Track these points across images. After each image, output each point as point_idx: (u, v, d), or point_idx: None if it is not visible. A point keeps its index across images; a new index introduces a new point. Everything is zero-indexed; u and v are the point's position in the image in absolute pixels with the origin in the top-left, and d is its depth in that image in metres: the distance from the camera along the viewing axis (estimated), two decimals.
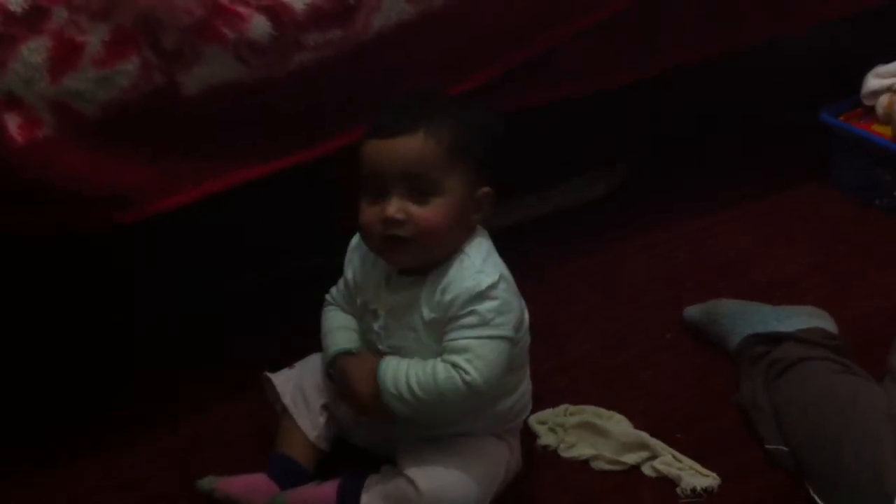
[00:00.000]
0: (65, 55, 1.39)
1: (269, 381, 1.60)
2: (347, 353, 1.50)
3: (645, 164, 2.29)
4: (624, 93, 1.93)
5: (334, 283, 1.57)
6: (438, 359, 1.40)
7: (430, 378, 1.39)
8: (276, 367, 1.63)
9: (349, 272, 1.54)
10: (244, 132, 1.57)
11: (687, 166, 2.28)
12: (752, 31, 2.01)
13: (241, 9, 1.47)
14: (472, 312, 1.39)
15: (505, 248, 1.49)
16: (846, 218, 2.15)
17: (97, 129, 1.44)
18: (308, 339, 1.58)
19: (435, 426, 1.47)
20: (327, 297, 1.58)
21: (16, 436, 1.68)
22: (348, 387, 1.47)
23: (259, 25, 1.48)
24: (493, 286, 1.40)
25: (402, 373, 1.41)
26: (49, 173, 1.44)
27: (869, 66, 2.18)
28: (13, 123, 1.38)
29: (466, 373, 1.38)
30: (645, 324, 1.87)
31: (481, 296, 1.39)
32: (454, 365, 1.38)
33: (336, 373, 1.50)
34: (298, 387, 1.59)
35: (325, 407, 1.58)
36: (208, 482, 1.54)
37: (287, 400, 1.58)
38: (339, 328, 1.54)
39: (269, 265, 1.99)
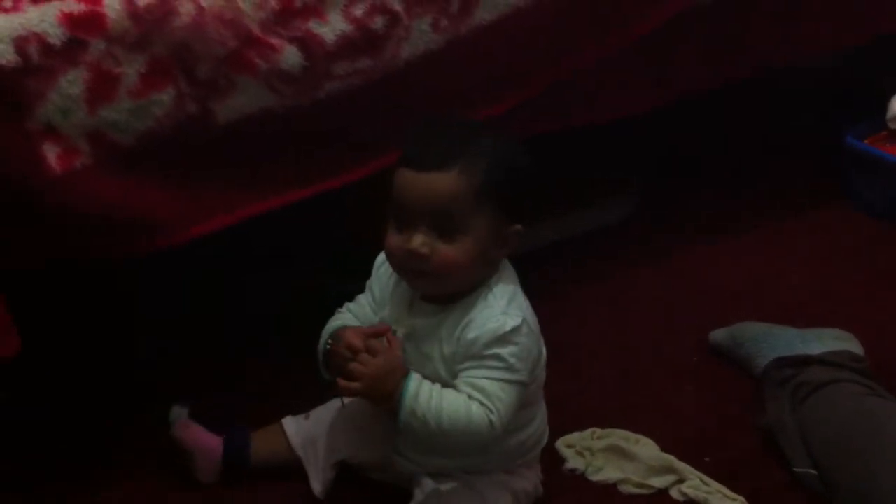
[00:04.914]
0: (102, 86, 1.41)
1: (282, 429, 1.63)
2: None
3: (659, 188, 2.29)
4: (637, 118, 1.93)
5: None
6: (466, 395, 1.41)
7: (463, 414, 1.39)
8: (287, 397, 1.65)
9: (375, 287, 1.55)
10: (275, 160, 1.59)
11: (702, 189, 2.28)
12: (764, 60, 2.03)
13: (274, 40, 1.49)
14: (495, 356, 1.40)
15: (522, 273, 1.50)
16: (867, 238, 2.16)
17: (132, 158, 1.47)
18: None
19: (440, 456, 1.50)
20: (339, 309, 1.57)
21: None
22: (362, 368, 1.41)
23: (291, 56, 1.50)
24: (516, 330, 1.41)
25: (434, 399, 1.40)
26: (85, 202, 1.46)
27: (884, 86, 2.20)
28: (52, 153, 1.41)
29: (492, 413, 1.39)
30: (664, 347, 1.88)
31: (504, 339, 1.40)
32: (481, 403, 1.40)
33: (339, 344, 1.45)
34: (310, 440, 1.61)
35: (334, 466, 1.59)
36: (178, 412, 1.64)
37: (299, 451, 1.61)
38: (347, 319, 1.53)
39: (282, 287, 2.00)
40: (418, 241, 1.39)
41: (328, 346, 1.49)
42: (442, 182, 1.38)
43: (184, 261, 1.66)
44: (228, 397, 1.78)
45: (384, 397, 1.42)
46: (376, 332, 1.45)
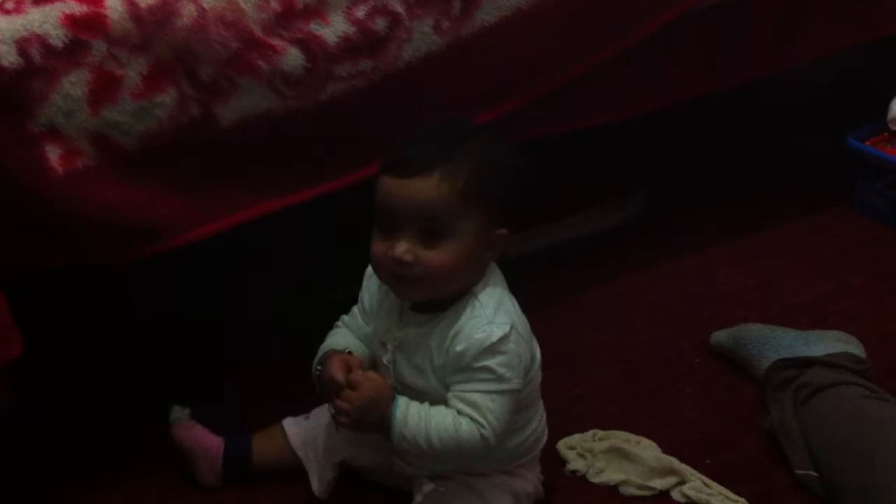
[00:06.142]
0: (104, 88, 1.42)
1: (282, 430, 1.63)
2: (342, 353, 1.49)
3: (663, 191, 2.29)
4: (642, 120, 1.93)
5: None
6: (454, 412, 1.41)
7: (452, 432, 1.39)
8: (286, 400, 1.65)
9: (365, 297, 1.54)
10: (277, 162, 1.59)
11: (704, 191, 2.28)
12: (764, 63, 2.03)
13: (276, 41, 1.49)
14: (485, 368, 1.39)
15: (524, 276, 1.50)
16: (868, 240, 2.15)
17: (135, 161, 1.47)
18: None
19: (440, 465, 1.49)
20: (336, 323, 1.58)
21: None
22: (345, 406, 1.42)
23: (292, 57, 1.50)
24: (504, 339, 1.40)
25: (423, 421, 1.40)
26: (87, 203, 1.46)
27: (885, 87, 2.19)
28: (54, 154, 1.41)
29: (483, 427, 1.39)
30: (665, 351, 1.88)
31: (492, 350, 1.39)
32: (472, 419, 1.39)
33: (325, 374, 1.46)
34: (310, 440, 1.61)
35: (334, 467, 1.59)
36: (179, 413, 1.63)
37: (299, 452, 1.61)
38: (341, 335, 1.54)
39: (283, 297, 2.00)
40: (402, 247, 1.38)
41: (318, 372, 1.49)
42: (423, 187, 1.37)
43: (183, 260, 1.66)
44: (228, 397, 1.78)
45: (373, 427, 1.43)
46: (349, 367, 1.44)
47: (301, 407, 1.65)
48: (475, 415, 1.39)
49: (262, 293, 1.97)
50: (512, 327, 1.41)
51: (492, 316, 1.41)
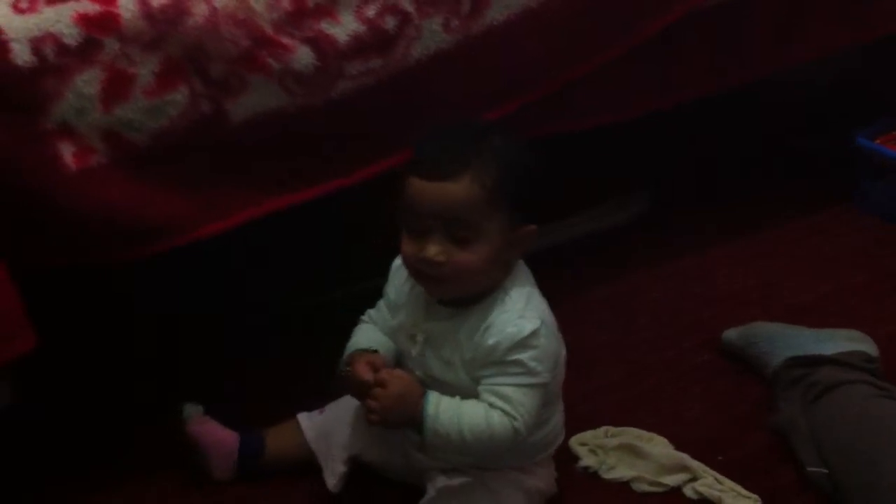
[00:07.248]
0: (116, 86, 1.42)
1: (296, 423, 1.63)
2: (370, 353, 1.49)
3: (664, 191, 2.30)
4: (644, 119, 1.93)
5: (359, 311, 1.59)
6: (486, 405, 1.41)
7: (484, 426, 1.40)
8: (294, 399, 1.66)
9: (391, 291, 1.55)
10: (287, 159, 1.59)
11: (710, 193, 2.29)
12: (763, 63, 2.03)
13: (286, 40, 1.49)
14: (516, 362, 1.40)
15: (532, 273, 1.50)
16: (868, 242, 2.16)
17: (146, 158, 1.47)
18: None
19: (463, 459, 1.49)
20: (362, 317, 1.58)
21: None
22: (376, 404, 1.42)
23: (303, 56, 1.50)
24: (534, 333, 1.41)
25: (455, 416, 1.41)
26: (96, 201, 1.46)
27: (893, 85, 2.22)
28: (67, 151, 1.42)
29: (516, 420, 1.40)
30: (668, 350, 1.88)
31: (524, 344, 1.40)
32: (504, 412, 1.40)
33: (352, 375, 1.46)
34: (324, 434, 1.61)
35: (347, 460, 1.58)
36: (191, 409, 1.63)
37: (313, 445, 1.60)
38: (367, 332, 1.55)
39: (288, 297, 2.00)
40: (433, 249, 1.39)
41: (345, 372, 1.49)
42: (454, 190, 1.38)
43: (183, 260, 1.66)
44: (228, 397, 1.77)
45: (405, 423, 1.43)
46: (375, 366, 1.45)
47: (301, 406, 1.66)
48: (507, 408, 1.40)
49: (262, 293, 1.97)
50: (542, 322, 1.42)
51: (522, 310, 1.43)
